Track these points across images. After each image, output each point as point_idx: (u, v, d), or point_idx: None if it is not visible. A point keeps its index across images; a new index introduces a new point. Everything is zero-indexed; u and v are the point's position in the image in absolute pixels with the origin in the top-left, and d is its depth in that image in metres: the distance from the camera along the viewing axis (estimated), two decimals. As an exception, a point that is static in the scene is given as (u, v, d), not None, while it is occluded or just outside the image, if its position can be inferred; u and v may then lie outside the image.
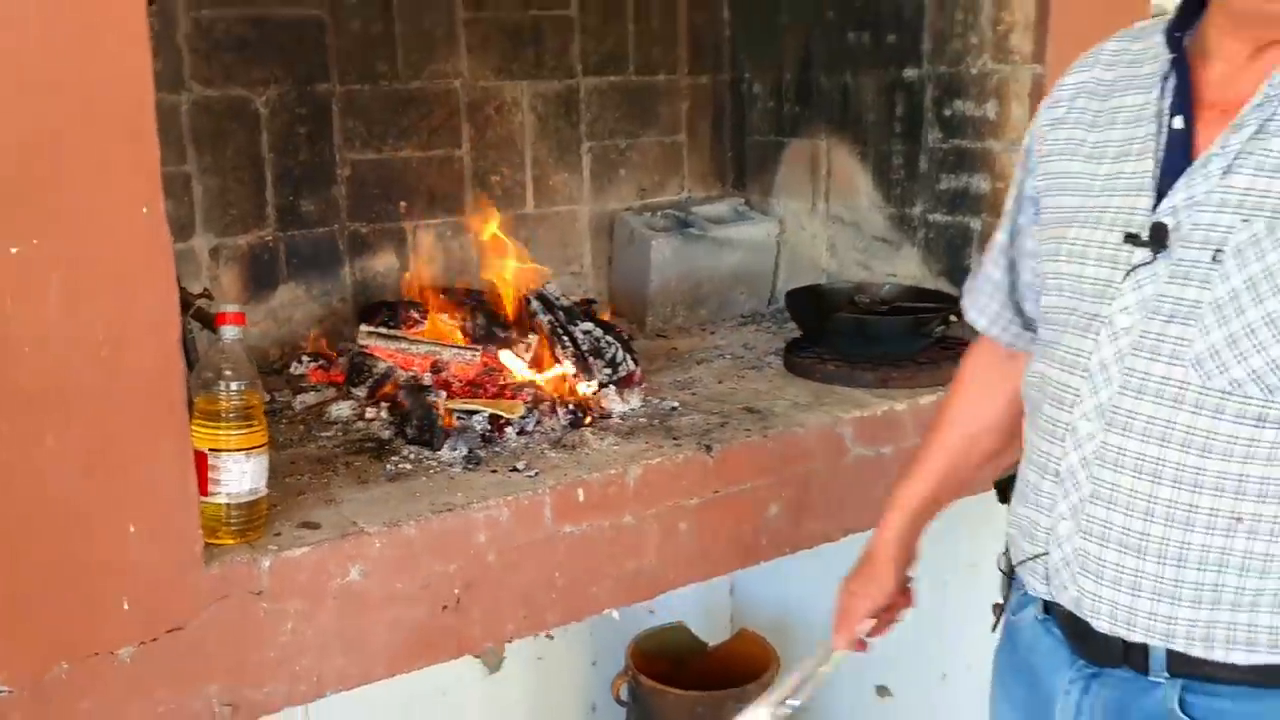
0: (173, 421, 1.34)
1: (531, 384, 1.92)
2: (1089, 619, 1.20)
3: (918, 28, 2.21)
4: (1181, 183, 1.13)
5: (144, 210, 1.27)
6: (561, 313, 2.02)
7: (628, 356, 1.99)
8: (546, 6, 2.38)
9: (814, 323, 2.16)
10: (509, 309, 2.09)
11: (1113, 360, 1.16)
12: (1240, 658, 1.13)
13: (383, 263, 2.28)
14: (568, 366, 1.96)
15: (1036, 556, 1.26)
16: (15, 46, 1.17)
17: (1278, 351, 1.06)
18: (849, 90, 2.37)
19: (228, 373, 1.43)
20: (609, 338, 2.00)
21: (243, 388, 1.44)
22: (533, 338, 2.02)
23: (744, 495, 1.81)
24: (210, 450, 1.42)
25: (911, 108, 2.27)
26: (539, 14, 2.38)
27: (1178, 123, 1.16)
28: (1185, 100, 1.17)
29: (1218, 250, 1.09)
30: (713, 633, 2.73)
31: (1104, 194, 1.21)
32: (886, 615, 1.53)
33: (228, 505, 1.43)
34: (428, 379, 1.90)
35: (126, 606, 1.34)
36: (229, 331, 1.45)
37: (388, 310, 2.11)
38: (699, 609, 2.76)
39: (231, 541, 1.45)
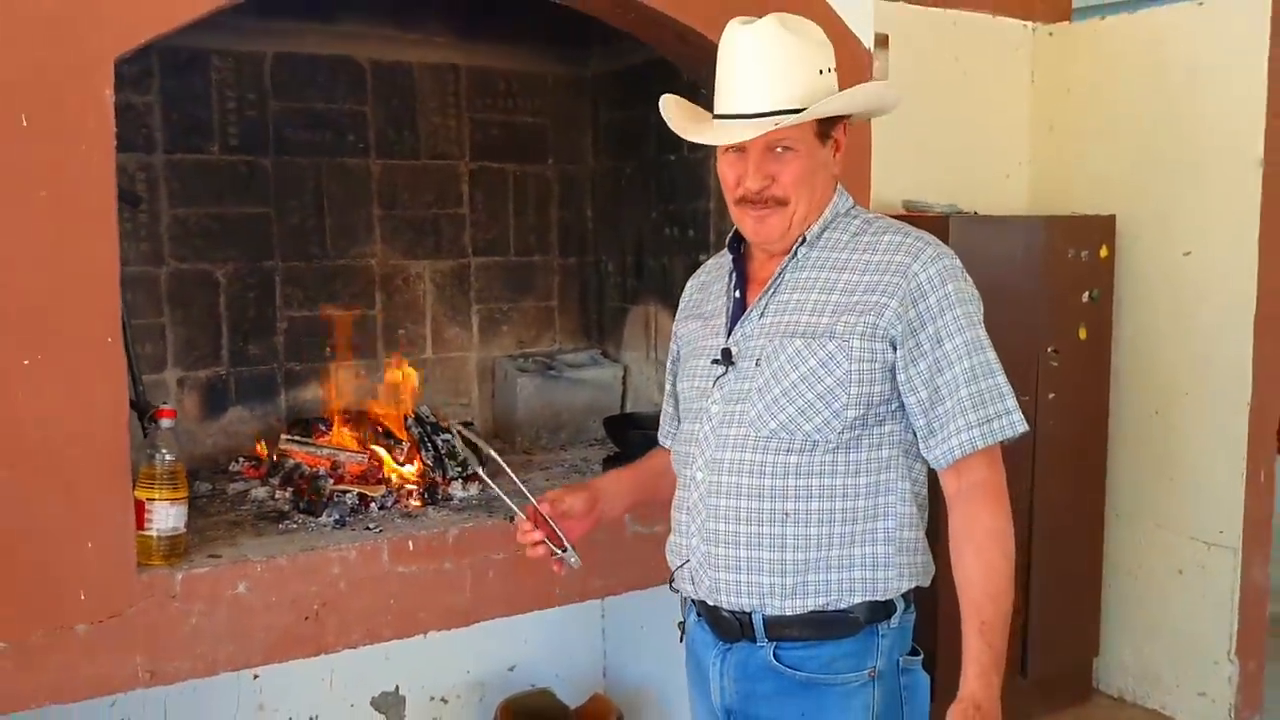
0: (119, 478, 2.07)
1: (399, 475, 2.65)
2: (718, 602, 1.86)
3: (707, 226, 3.00)
4: (738, 325, 1.88)
5: (108, 340, 2.04)
6: (428, 427, 2.75)
7: (474, 460, 2.71)
8: (444, 207, 3.20)
9: (622, 440, 2.88)
10: (394, 425, 2.83)
11: (710, 432, 1.88)
12: (800, 606, 1.79)
13: (311, 393, 3.04)
14: (428, 464, 2.68)
15: (683, 565, 1.93)
16: (32, 251, 1.95)
17: (793, 411, 1.77)
18: (666, 269, 3.15)
19: (162, 449, 2.18)
20: (462, 446, 2.73)
21: (170, 459, 2.17)
22: (406, 445, 2.75)
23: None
24: (146, 499, 2.14)
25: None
26: (438, 212, 3.19)
27: (737, 294, 1.92)
28: (742, 281, 1.93)
29: (758, 359, 1.83)
30: (580, 698, 3.35)
31: (703, 339, 1.96)
32: (568, 524, 2.05)
33: (157, 537, 2.15)
34: (322, 471, 2.63)
35: (83, 597, 2.04)
36: (164, 422, 2.20)
37: (304, 425, 2.86)
38: (570, 675, 3.38)
39: (160, 563, 2.16)
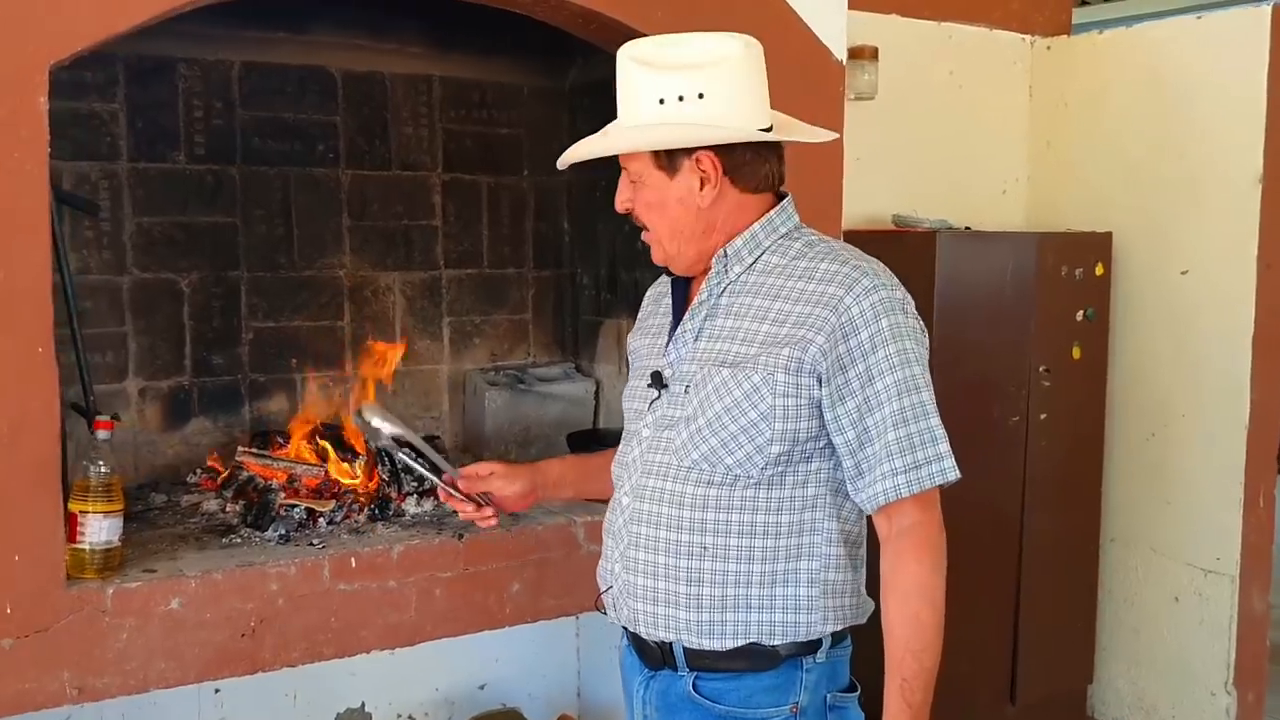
0: (48, 490, 2.04)
1: (352, 489, 2.61)
2: (638, 630, 1.81)
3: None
4: (672, 348, 1.83)
5: (39, 350, 2.01)
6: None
7: (432, 476, 2.66)
8: (416, 218, 3.17)
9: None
10: (354, 439, 2.79)
11: (639, 457, 1.82)
12: (718, 644, 1.73)
13: (276, 404, 3.01)
14: (384, 479, 2.65)
15: (606, 590, 1.88)
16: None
17: (715, 443, 1.71)
18: (639, 283, 3.10)
19: (99, 461, 2.15)
20: (420, 462, 2.68)
21: (106, 471, 2.14)
22: (363, 459, 2.72)
23: (490, 573, 2.46)
24: (80, 511, 2.11)
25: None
26: (410, 223, 3.16)
27: (673, 316, 1.86)
28: (680, 303, 1.87)
29: (687, 386, 1.77)
30: (549, 718, 3.31)
31: (645, 358, 1.91)
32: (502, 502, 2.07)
33: (90, 550, 2.12)
34: (275, 484, 2.59)
35: (9, 610, 2.02)
36: (101, 434, 2.17)
37: (262, 437, 2.83)
38: (543, 694, 3.34)
39: (94, 576, 2.13)
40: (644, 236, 1.83)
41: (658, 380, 1.81)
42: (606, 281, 3.25)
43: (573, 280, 3.38)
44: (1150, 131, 3.81)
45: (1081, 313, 3.81)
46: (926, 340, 1.75)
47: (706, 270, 1.82)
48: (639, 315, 2.03)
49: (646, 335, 1.94)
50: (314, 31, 2.98)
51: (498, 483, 2.07)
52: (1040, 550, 3.78)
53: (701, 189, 1.75)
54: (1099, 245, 3.87)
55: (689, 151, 1.73)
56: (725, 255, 1.78)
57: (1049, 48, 4.12)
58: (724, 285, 1.78)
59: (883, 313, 1.68)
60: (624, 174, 1.81)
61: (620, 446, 1.92)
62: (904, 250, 3.63)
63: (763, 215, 1.79)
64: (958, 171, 4.03)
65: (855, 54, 3.62)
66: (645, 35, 2.45)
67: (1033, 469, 3.74)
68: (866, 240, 3.64)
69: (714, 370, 1.73)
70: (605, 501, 1.97)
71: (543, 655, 3.34)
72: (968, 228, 3.81)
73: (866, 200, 3.77)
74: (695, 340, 1.78)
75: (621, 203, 1.82)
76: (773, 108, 1.82)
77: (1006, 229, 4.06)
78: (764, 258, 1.78)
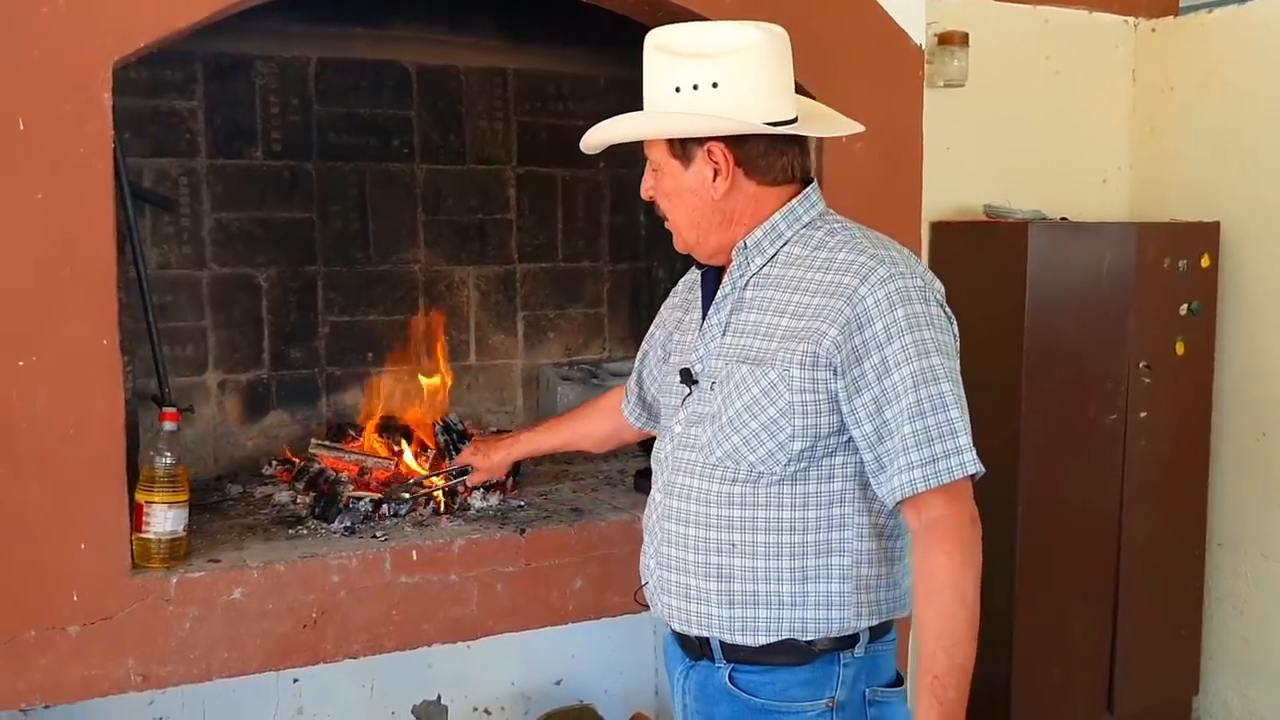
0: (114, 478, 2.08)
1: (418, 482, 2.61)
2: (673, 625, 1.82)
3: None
4: (700, 342, 1.80)
5: (104, 343, 2.05)
6: (455, 435, 2.71)
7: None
8: (490, 212, 3.16)
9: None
10: (424, 432, 2.79)
11: (670, 453, 1.82)
12: (751, 639, 1.72)
13: (351, 397, 3.03)
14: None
15: (643, 585, 1.89)
16: (28, 253, 1.98)
17: (738, 440, 1.69)
18: (715, 275, 3.04)
19: (165, 452, 2.18)
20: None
21: (171, 463, 2.17)
22: (432, 452, 2.72)
23: (552, 569, 2.43)
24: (145, 501, 2.15)
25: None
26: (484, 217, 3.16)
27: (701, 311, 1.84)
28: (709, 296, 1.83)
29: (714, 382, 1.75)
30: (624, 715, 3.28)
31: (680, 353, 1.89)
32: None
33: (156, 539, 2.15)
34: (344, 476, 2.61)
35: (75, 598, 2.06)
36: (167, 425, 2.20)
37: (335, 431, 2.85)
38: (620, 691, 3.31)
39: (159, 565, 2.16)
40: (666, 224, 1.82)
41: (687, 377, 1.80)
42: (683, 274, 3.18)
43: (649, 274, 3.34)
44: (1262, 115, 3.62)
45: (1186, 306, 3.64)
46: (954, 329, 1.70)
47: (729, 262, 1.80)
48: (674, 290, 2.04)
49: (680, 329, 1.94)
50: (389, 26, 2.99)
51: (474, 458, 2.45)
52: (1140, 553, 3.62)
53: (714, 180, 1.72)
54: (1205, 235, 3.69)
55: (701, 142, 1.71)
56: (745, 247, 1.75)
57: (1154, 29, 3.95)
58: (746, 278, 1.75)
59: (899, 302, 1.63)
60: (648, 162, 1.80)
61: (656, 442, 1.92)
62: (995, 241, 3.51)
63: (771, 213, 1.75)
64: (1055, 160, 3.88)
65: (945, 39, 3.52)
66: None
67: (1131, 469, 3.58)
68: (955, 232, 3.58)
69: (735, 366, 1.71)
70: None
71: (620, 652, 3.32)
72: (1064, 218, 3.66)
73: (958, 190, 3.67)
74: (723, 335, 1.77)
75: (645, 190, 1.81)
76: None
77: (1107, 219, 3.90)
78: (786, 249, 1.75)
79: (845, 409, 1.65)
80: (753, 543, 1.70)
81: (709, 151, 1.70)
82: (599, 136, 1.81)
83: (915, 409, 1.61)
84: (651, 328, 2.10)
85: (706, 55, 1.67)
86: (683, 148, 1.72)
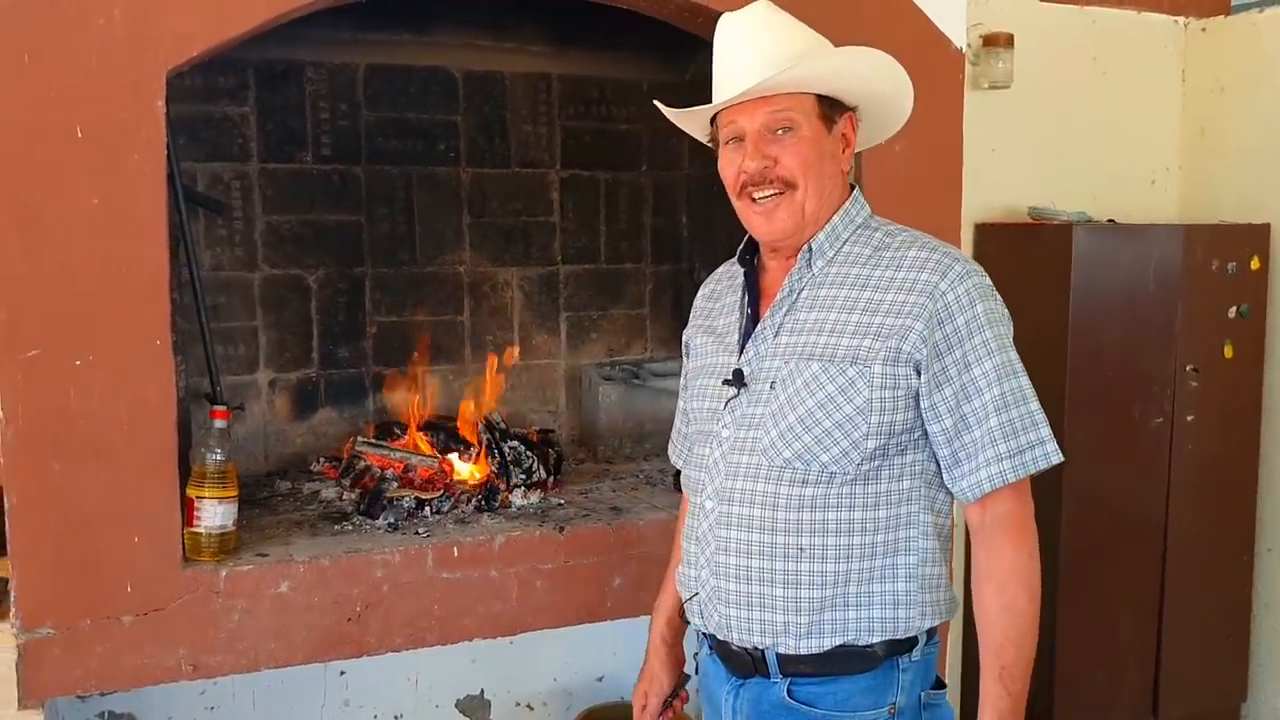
0: (166, 474, 2.15)
1: (462, 480, 2.66)
2: (728, 638, 1.77)
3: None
4: (750, 344, 1.78)
5: (157, 343, 2.12)
6: (497, 433, 2.76)
7: (540, 468, 2.70)
8: (534, 215, 3.21)
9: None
10: (467, 430, 2.85)
11: (720, 458, 1.77)
12: (815, 646, 1.69)
13: (398, 396, 3.09)
14: (493, 471, 2.69)
15: (692, 598, 1.83)
16: (85, 256, 2.05)
17: (809, 440, 1.67)
18: (754, 277, 3.07)
19: (215, 449, 2.25)
20: (530, 453, 2.73)
21: (221, 459, 2.24)
22: (475, 451, 2.77)
23: (591, 566, 2.47)
24: (196, 496, 2.22)
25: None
26: (528, 220, 3.21)
27: (750, 310, 1.82)
28: (754, 295, 1.83)
29: (771, 383, 1.73)
30: (664, 713, 3.30)
31: (714, 356, 1.85)
32: (670, 710, 2.04)
33: (206, 533, 2.22)
34: (389, 474, 2.66)
35: (129, 589, 2.13)
36: (217, 423, 2.27)
37: (382, 428, 2.91)
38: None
39: (209, 559, 2.23)
40: (760, 210, 1.73)
41: (739, 379, 1.76)
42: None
43: (690, 275, 3.37)
44: (1314, 115, 3.58)
45: (1235, 309, 3.61)
46: (1012, 327, 1.71)
47: (778, 263, 1.80)
48: (695, 313, 1.98)
49: (711, 334, 1.88)
50: (436, 33, 3.05)
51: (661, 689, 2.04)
52: (1186, 557, 3.60)
53: (844, 152, 1.75)
54: (1255, 237, 3.65)
55: (845, 109, 1.73)
56: (810, 250, 1.75)
57: (1204, 29, 3.91)
58: (805, 279, 1.75)
59: (978, 298, 1.66)
60: (740, 142, 1.73)
61: (696, 449, 1.85)
62: (1039, 243, 3.50)
63: (840, 206, 1.77)
64: (1102, 162, 3.86)
65: (990, 41, 3.51)
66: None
67: (1178, 472, 3.56)
68: (1000, 234, 3.57)
69: (802, 364, 1.69)
70: None
71: (661, 650, 3.34)
72: (1110, 220, 3.64)
73: (1003, 192, 3.66)
74: (776, 336, 1.74)
75: (763, 159, 1.69)
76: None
77: (1156, 221, 3.86)
78: (844, 249, 1.75)
79: (925, 403, 1.66)
80: (822, 546, 1.67)
81: (850, 119, 1.73)
82: (745, 85, 1.67)
83: (999, 401, 1.63)
84: (682, 378, 2.01)
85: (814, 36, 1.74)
86: (832, 109, 1.72)
